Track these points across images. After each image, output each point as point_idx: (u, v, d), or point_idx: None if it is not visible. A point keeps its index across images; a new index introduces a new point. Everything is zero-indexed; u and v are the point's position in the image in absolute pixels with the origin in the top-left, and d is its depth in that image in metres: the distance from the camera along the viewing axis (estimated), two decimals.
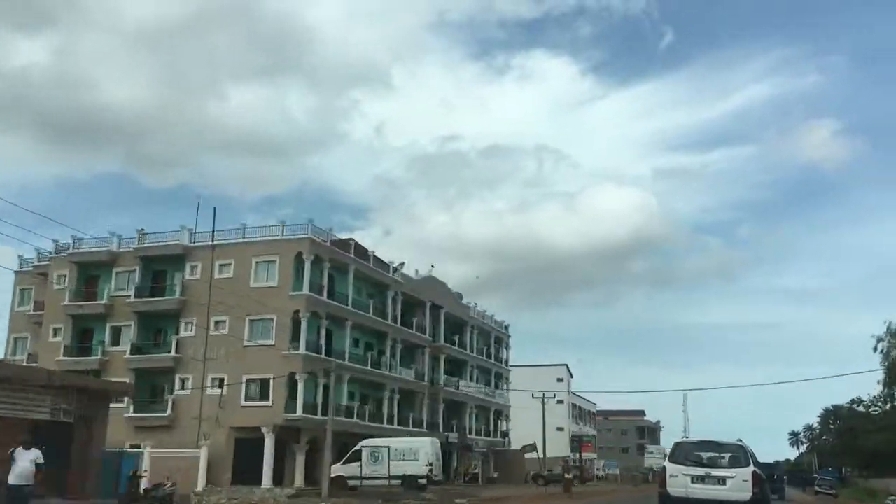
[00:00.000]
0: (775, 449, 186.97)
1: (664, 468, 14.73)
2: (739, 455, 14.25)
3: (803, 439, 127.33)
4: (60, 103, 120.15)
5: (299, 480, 40.34)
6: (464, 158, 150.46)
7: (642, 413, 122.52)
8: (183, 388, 43.19)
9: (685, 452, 14.82)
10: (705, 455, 14.51)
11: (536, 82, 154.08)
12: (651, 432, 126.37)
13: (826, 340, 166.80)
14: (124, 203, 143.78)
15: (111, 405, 27.43)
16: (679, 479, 14.14)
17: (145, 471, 30.25)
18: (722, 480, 13.80)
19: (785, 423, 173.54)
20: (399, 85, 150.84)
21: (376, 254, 51.58)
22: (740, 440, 14.99)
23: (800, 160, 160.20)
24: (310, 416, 40.83)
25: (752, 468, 13.93)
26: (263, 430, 40.21)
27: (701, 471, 14.05)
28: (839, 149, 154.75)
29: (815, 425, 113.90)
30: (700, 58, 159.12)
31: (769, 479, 23.53)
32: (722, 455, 14.40)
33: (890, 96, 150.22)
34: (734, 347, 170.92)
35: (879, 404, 65.28)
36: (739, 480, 13.71)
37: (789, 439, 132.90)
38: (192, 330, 43.78)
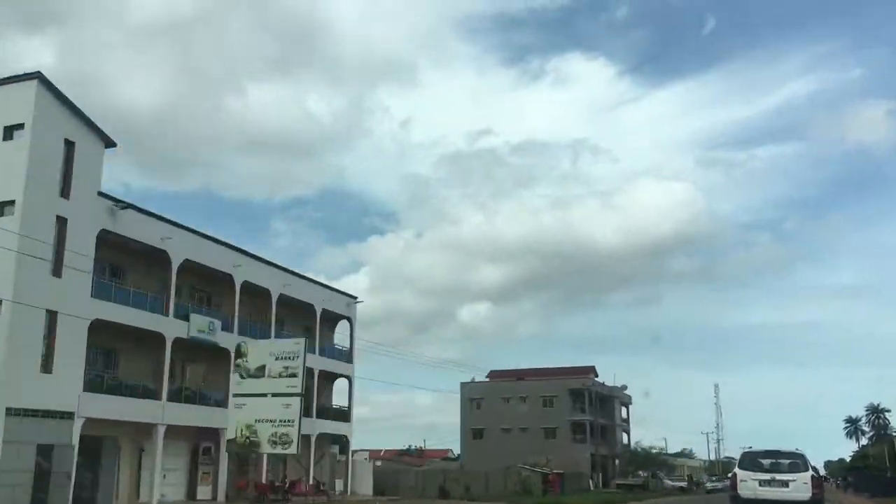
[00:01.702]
0: (826, 445, 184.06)
1: (735, 474, 17.41)
2: (799, 461, 16.89)
3: (865, 427, 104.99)
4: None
5: None
6: (496, 155, 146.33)
7: (591, 371, 76.40)
8: None
9: (752, 460, 17.49)
10: (769, 462, 17.15)
11: (572, 83, 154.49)
12: (604, 404, 76.24)
13: (868, 340, 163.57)
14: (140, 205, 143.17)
15: None
16: (748, 483, 16.82)
17: None
18: (785, 483, 16.44)
19: (827, 423, 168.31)
20: (425, 81, 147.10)
21: None
22: (798, 449, 17.63)
23: (846, 150, 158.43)
24: None
25: (810, 472, 16.58)
26: None
27: (767, 476, 16.70)
28: (888, 127, 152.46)
29: (861, 417, 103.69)
30: (738, 55, 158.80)
31: None
32: (784, 462, 17.01)
33: None
34: (778, 346, 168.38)
35: None
36: (800, 483, 16.34)
37: (846, 428, 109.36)
38: None
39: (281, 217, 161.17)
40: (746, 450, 19.32)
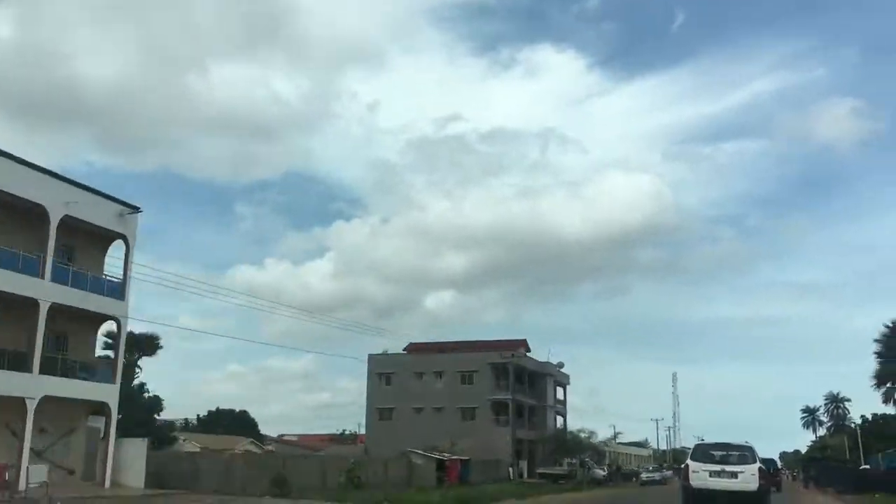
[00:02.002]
0: (781, 436, 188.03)
1: (687, 465, 18.18)
2: (748, 454, 17.74)
3: (823, 417, 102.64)
4: (25, 79, 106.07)
5: None
6: (465, 142, 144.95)
7: (521, 345, 70.03)
8: None
9: (703, 452, 18.28)
10: (720, 454, 17.95)
11: (542, 74, 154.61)
12: (535, 383, 71.14)
13: (827, 336, 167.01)
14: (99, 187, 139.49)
15: None
16: (699, 475, 17.61)
17: None
18: (734, 475, 17.25)
19: (784, 415, 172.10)
20: (394, 66, 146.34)
21: None
22: (747, 442, 18.47)
23: (810, 148, 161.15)
24: None
25: (758, 464, 17.44)
26: None
27: (717, 467, 17.50)
28: (851, 127, 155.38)
29: (819, 407, 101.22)
30: (706, 51, 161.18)
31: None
32: (734, 454, 17.82)
33: None
34: (738, 340, 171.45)
35: None
36: (748, 475, 17.17)
37: (803, 418, 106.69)
38: None
39: (244, 200, 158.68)
40: (699, 441, 20.16)
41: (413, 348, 71.46)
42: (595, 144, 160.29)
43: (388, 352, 68.05)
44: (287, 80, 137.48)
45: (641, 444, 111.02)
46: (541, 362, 70.19)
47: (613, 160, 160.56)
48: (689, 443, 76.85)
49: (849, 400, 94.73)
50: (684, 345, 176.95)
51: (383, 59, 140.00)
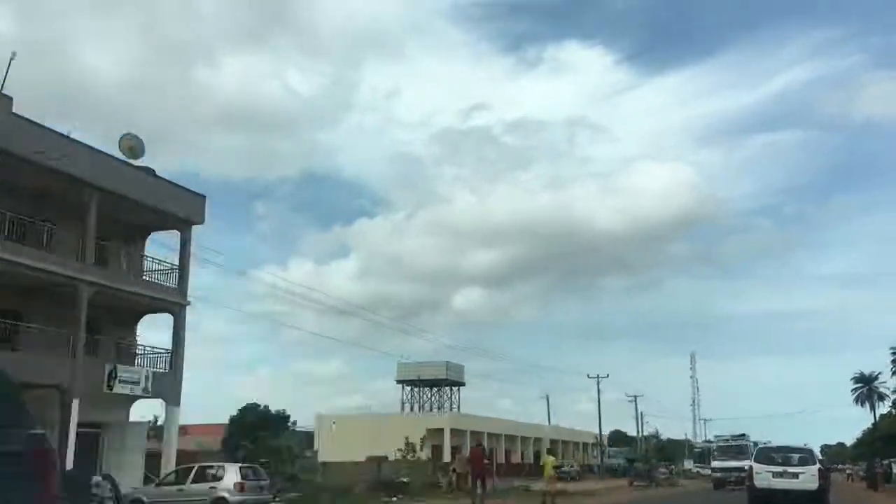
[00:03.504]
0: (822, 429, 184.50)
1: (751, 467, 19.89)
2: (808, 456, 19.45)
3: (887, 387, 72.77)
4: (26, 75, 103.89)
5: None
6: (490, 134, 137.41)
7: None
8: None
9: (766, 455, 20.02)
10: (781, 456, 19.65)
11: (568, 70, 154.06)
12: None
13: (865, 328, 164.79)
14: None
15: None
16: (763, 475, 19.31)
17: None
18: (795, 475, 18.93)
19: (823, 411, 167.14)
20: (413, 55, 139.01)
21: None
22: (807, 444, 20.20)
23: (847, 137, 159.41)
24: None
25: (818, 466, 19.12)
26: None
27: (779, 468, 19.20)
28: (890, 115, 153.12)
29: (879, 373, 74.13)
30: (735, 44, 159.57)
31: None
32: (794, 456, 19.50)
33: None
34: (772, 334, 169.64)
35: None
36: (809, 475, 18.86)
37: (855, 390, 78.14)
38: None
39: (263, 199, 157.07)
40: (762, 446, 21.95)
41: None
42: (625, 136, 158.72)
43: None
44: (301, 72, 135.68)
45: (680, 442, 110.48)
46: None
47: (644, 152, 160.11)
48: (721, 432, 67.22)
49: None
50: (721, 339, 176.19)
51: (403, 51, 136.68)
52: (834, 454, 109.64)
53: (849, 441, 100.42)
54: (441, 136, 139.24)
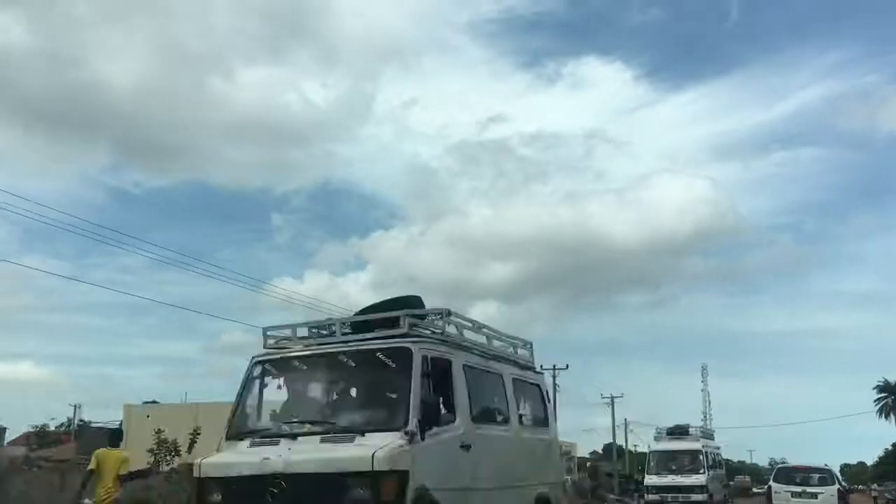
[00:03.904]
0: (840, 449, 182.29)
1: (770, 486, 19.95)
2: (827, 476, 19.47)
3: None
4: (37, 86, 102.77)
5: None
6: (507, 147, 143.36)
7: None
8: None
9: (785, 474, 20.07)
10: (800, 476, 19.69)
11: (587, 86, 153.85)
12: None
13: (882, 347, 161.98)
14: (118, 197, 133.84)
15: None
16: (781, 495, 19.36)
17: None
18: (814, 496, 18.98)
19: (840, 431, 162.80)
20: (431, 68, 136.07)
21: None
22: (826, 465, 20.21)
23: (867, 155, 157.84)
24: None
25: (836, 486, 19.14)
26: None
27: (798, 488, 19.24)
28: None
29: None
30: (755, 61, 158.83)
31: None
32: (814, 476, 19.54)
33: None
34: (787, 353, 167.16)
35: None
36: (828, 495, 18.89)
37: (879, 400, 72.59)
38: None
39: (279, 211, 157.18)
40: (780, 466, 21.98)
41: None
42: (643, 151, 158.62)
43: None
44: (318, 84, 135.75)
45: None
46: None
47: (662, 167, 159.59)
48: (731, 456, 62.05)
49: None
50: (736, 355, 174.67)
51: (420, 65, 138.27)
52: (854, 474, 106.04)
53: (870, 460, 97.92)
54: (457, 148, 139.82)
